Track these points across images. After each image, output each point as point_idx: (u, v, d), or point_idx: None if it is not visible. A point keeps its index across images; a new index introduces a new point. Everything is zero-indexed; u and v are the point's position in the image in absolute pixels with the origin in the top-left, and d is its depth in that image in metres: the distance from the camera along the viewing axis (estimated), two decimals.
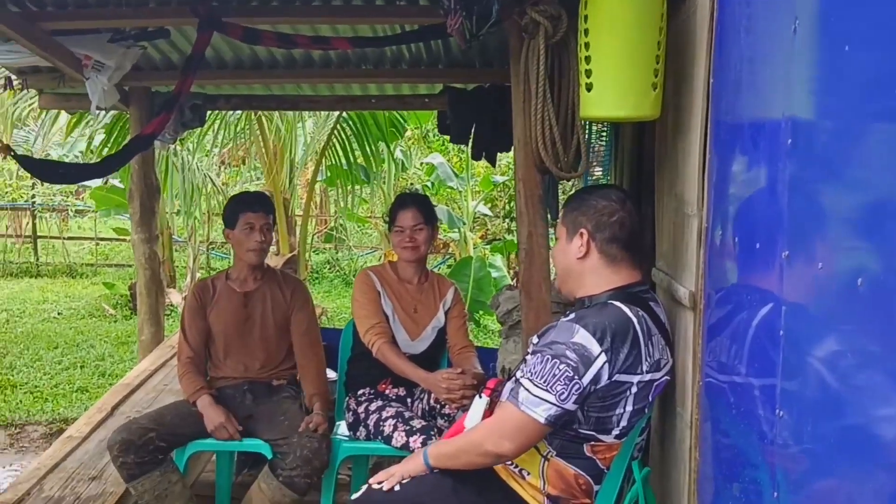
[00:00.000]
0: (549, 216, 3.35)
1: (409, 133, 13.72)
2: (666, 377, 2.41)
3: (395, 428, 3.33)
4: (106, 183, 11.88)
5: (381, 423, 3.39)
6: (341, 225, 14.95)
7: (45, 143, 13.19)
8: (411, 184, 14.17)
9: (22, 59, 4.29)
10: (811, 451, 1.42)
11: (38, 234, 14.47)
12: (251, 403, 3.63)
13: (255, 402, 3.64)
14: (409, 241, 3.58)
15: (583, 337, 2.22)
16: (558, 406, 2.21)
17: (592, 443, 2.36)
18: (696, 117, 2.32)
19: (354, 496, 2.57)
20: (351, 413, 3.56)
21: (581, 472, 2.39)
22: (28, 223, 14.63)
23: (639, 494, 2.37)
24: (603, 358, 2.21)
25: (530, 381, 2.24)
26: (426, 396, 3.57)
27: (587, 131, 4.43)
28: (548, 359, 2.23)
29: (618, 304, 2.33)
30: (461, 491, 2.46)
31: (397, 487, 2.49)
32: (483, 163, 6.07)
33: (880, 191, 1.17)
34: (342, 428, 3.65)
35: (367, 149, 9.07)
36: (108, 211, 11.82)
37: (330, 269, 14.03)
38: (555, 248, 2.57)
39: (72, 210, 14.82)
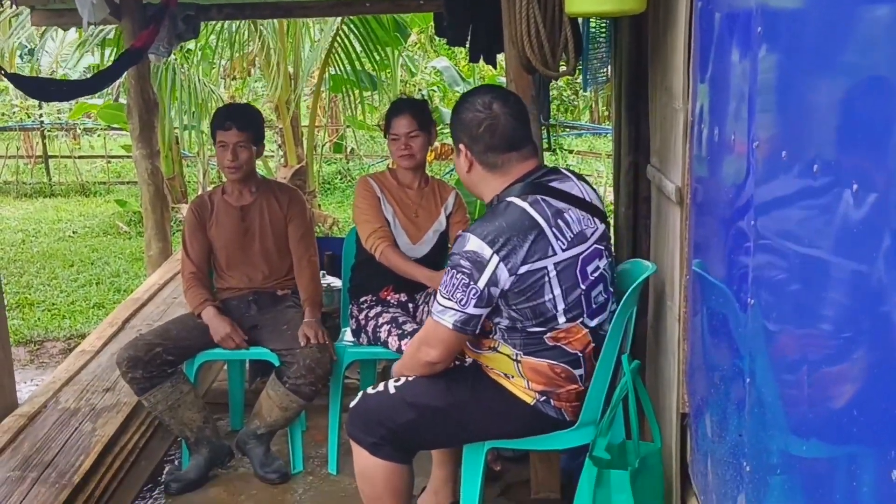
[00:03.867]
0: (541, 117, 3.31)
1: (414, 37, 13.48)
2: (598, 246, 2.46)
3: (389, 333, 3.39)
4: (116, 100, 11.79)
5: (378, 329, 3.45)
6: (352, 134, 14.81)
7: (53, 62, 13.08)
8: (419, 89, 13.98)
9: None
10: (781, 339, 1.45)
11: (49, 153, 14.45)
12: (256, 313, 3.68)
13: (260, 311, 3.68)
14: (404, 148, 3.54)
15: (474, 244, 2.33)
16: (461, 311, 2.36)
17: (548, 333, 2.42)
18: (681, 8, 2.29)
19: (352, 404, 2.65)
20: (354, 320, 3.61)
21: (554, 363, 2.45)
22: (38, 143, 14.60)
23: (628, 387, 2.42)
24: (495, 259, 2.31)
25: (439, 292, 2.40)
26: (431, 300, 3.60)
27: (585, 29, 4.34)
28: (448, 269, 2.38)
29: (513, 199, 2.39)
30: (454, 389, 2.54)
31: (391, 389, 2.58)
32: (490, 66, 5.98)
33: (841, 80, 1.17)
34: (347, 334, 3.71)
35: (372, 55, 8.93)
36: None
37: (341, 179, 13.96)
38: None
39: (80, 128, 14.74)
